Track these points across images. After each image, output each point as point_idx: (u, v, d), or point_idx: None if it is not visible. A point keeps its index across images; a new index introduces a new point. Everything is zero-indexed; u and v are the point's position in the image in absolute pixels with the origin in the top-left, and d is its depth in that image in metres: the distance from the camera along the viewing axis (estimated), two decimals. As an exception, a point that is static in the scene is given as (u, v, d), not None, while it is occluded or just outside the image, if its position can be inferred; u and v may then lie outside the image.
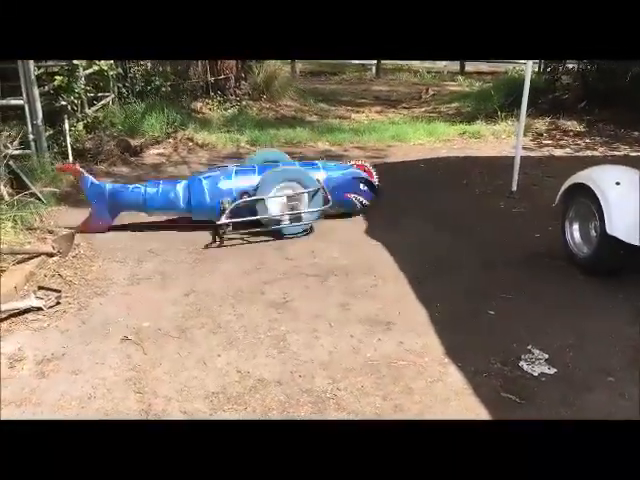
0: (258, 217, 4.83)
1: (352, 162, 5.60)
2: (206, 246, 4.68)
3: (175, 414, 2.74)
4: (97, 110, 7.57)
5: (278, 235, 4.85)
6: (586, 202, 4.06)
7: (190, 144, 7.76)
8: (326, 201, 4.93)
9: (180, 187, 4.89)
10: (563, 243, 4.34)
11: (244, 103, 9.84)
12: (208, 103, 9.58)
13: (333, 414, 2.74)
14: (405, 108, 11.23)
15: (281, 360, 3.18)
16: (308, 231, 4.95)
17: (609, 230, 3.75)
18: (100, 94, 7.87)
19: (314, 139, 8.18)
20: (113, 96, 8.13)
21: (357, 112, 10.66)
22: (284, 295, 3.88)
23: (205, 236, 4.87)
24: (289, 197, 4.90)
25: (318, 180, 4.98)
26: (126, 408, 2.78)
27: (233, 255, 4.53)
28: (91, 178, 4.94)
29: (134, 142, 7.30)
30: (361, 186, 5.22)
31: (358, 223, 5.15)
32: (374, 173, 5.49)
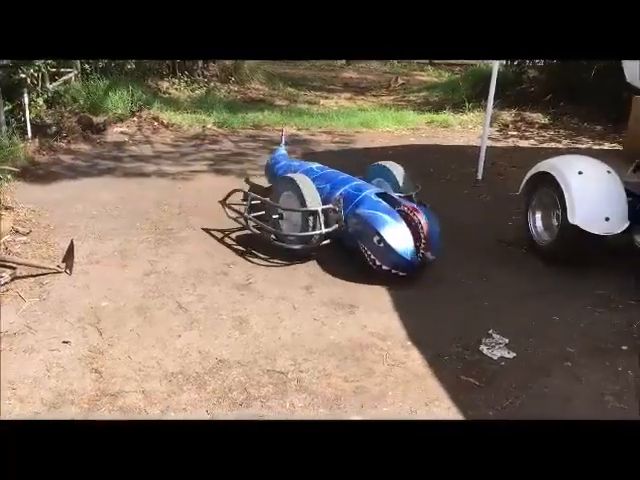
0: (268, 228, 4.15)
1: (403, 206, 3.92)
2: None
3: (133, 394, 2.68)
4: (58, 85, 7.33)
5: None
6: (549, 191, 4.11)
7: (155, 124, 7.60)
8: (336, 223, 3.96)
9: None
10: (526, 231, 4.40)
11: (212, 85, 9.70)
12: (175, 83, 9.41)
13: (294, 395, 2.72)
14: (374, 96, 11.22)
15: (243, 341, 3.14)
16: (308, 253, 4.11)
17: (570, 219, 3.81)
18: (62, 69, 7.63)
19: (282, 123, 8.11)
20: (76, 72, 7.89)
21: (326, 98, 10.61)
22: (247, 277, 3.84)
23: (169, 216, 4.78)
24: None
25: (337, 199, 3.97)
26: (81, 388, 2.71)
27: (197, 236, 4.45)
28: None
29: (96, 119, 7.12)
30: (375, 240, 3.74)
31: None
32: (424, 227, 3.75)
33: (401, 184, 4.32)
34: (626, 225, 3.81)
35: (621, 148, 7.18)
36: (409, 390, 2.80)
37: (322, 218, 3.93)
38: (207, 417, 2.57)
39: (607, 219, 3.78)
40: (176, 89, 9.27)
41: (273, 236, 4.14)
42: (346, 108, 9.55)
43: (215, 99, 8.88)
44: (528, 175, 4.36)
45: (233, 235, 4.46)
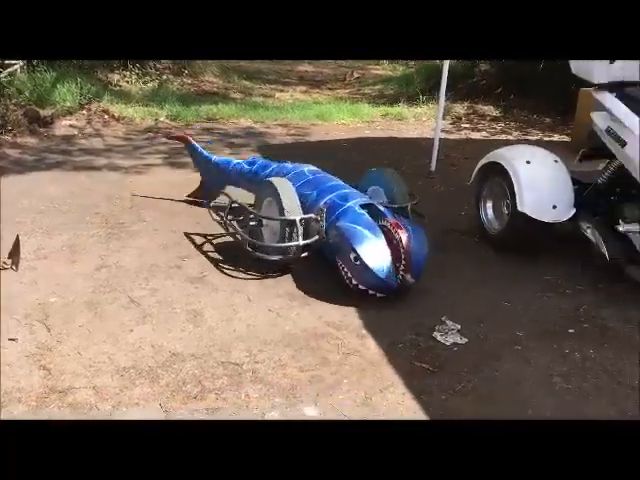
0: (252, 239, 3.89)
1: (386, 220, 3.57)
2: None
3: (83, 390, 2.62)
4: (2, 77, 7.08)
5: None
6: (499, 180, 4.19)
7: (105, 117, 7.42)
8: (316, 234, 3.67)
9: None
10: (477, 220, 4.48)
11: (164, 77, 9.53)
12: (125, 76, 9.20)
13: (249, 386, 2.71)
14: (330, 89, 11.23)
15: (197, 334, 3.10)
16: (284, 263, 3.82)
17: (519, 207, 3.89)
18: (7, 61, 7.36)
19: (237, 116, 8.05)
20: (21, 63, 7.63)
21: (281, 91, 10.56)
22: (202, 270, 3.79)
23: (120, 210, 4.68)
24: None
25: (321, 209, 3.71)
26: (29, 385, 2.63)
27: (149, 230, 4.37)
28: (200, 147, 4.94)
29: (43, 112, 6.90)
30: (352, 257, 3.42)
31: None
32: (405, 246, 3.40)
33: (395, 195, 4.03)
34: (572, 212, 3.92)
35: (569, 140, 7.40)
36: (364, 377, 2.82)
37: (301, 229, 3.61)
38: (160, 411, 2.53)
39: (554, 207, 3.88)
40: (127, 82, 9.06)
41: (248, 245, 3.87)
42: (301, 101, 9.53)
43: (168, 92, 8.73)
44: (479, 165, 4.44)
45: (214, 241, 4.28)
